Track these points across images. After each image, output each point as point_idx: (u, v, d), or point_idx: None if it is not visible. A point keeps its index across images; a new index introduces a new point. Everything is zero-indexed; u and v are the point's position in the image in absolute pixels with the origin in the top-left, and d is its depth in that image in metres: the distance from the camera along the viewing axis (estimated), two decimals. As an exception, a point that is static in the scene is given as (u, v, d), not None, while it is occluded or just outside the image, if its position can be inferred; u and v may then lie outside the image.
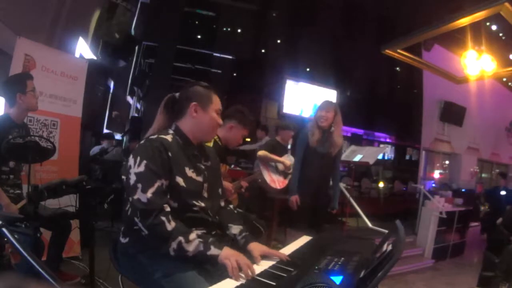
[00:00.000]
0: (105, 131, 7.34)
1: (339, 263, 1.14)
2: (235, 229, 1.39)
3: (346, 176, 6.06)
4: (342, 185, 4.33)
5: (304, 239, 1.56)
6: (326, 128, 2.66)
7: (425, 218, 4.71)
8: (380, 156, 7.88)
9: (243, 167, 4.93)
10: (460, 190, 7.07)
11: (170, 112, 1.39)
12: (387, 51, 5.33)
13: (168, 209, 1.20)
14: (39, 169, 2.47)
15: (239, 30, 12.59)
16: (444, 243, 4.68)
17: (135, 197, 1.17)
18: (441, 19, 4.59)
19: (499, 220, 3.85)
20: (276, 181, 3.11)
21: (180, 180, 1.25)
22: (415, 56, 5.75)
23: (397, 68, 11.93)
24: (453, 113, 7.33)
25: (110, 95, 8.32)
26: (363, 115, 11.59)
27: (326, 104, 2.71)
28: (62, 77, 3.02)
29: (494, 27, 6.51)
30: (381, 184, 8.22)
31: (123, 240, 1.30)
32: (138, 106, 11.97)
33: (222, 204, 1.48)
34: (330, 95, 8.68)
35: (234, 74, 12.24)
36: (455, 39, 5.86)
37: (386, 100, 11.87)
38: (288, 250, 1.39)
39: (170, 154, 1.24)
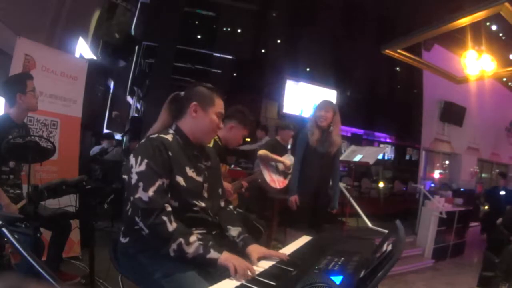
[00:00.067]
0: (105, 131, 7.34)
1: (339, 263, 1.14)
2: (234, 231, 1.39)
3: (346, 176, 6.06)
4: (342, 185, 4.33)
5: (304, 239, 1.56)
6: (325, 128, 2.67)
7: (425, 218, 4.71)
8: (380, 156, 7.87)
9: (243, 167, 4.92)
10: (459, 190, 7.07)
11: (173, 110, 1.40)
12: (387, 51, 5.33)
13: (169, 208, 1.20)
14: (39, 169, 2.47)
15: (239, 30, 12.59)
16: (444, 243, 4.68)
17: (137, 196, 1.17)
18: (441, 19, 4.59)
19: (499, 220, 3.85)
20: (276, 181, 3.11)
21: (180, 180, 1.26)
22: (415, 56, 5.75)
23: (397, 68, 11.93)
24: (453, 113, 7.33)
25: (110, 95, 8.32)
26: (363, 115, 11.60)
27: (325, 104, 2.71)
28: (62, 77, 3.02)
29: (494, 27, 6.51)
30: (381, 184, 8.22)
31: (123, 240, 1.30)
32: (138, 106, 11.97)
33: (222, 204, 1.48)
34: (330, 95, 8.67)
35: (234, 74, 12.25)
36: (455, 39, 5.86)
37: (386, 100, 11.88)
38: (288, 250, 1.39)
39: (170, 153, 1.24)
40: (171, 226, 1.16)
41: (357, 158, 3.99)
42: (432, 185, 7.22)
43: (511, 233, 3.30)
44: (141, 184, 1.18)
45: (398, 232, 0.95)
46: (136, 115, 11.37)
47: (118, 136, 7.37)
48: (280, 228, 3.69)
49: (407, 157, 13.29)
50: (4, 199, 1.92)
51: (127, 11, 5.34)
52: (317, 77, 9.62)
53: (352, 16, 11.34)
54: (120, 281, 1.34)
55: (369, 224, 4.09)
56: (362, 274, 0.96)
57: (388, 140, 13.31)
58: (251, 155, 5.12)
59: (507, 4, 3.76)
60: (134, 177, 1.19)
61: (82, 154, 4.04)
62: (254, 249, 1.29)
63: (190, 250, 1.16)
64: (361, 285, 0.90)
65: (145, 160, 1.20)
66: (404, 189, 8.59)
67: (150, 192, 1.17)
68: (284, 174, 3.21)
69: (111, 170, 4.31)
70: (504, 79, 7.65)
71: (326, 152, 2.71)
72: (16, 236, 0.82)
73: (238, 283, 1.05)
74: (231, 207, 1.52)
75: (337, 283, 0.93)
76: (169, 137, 1.30)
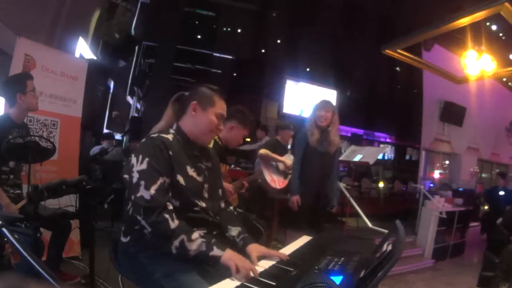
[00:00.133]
0: (105, 131, 7.34)
1: (339, 263, 1.14)
2: (233, 231, 1.39)
3: (346, 176, 6.06)
4: (342, 185, 4.33)
5: (304, 239, 1.56)
6: (324, 128, 2.67)
7: (425, 218, 4.71)
8: (380, 156, 7.87)
9: (243, 167, 4.92)
10: (458, 190, 7.06)
11: (176, 110, 1.40)
12: (387, 51, 5.33)
13: (171, 207, 1.20)
14: (39, 169, 2.47)
15: (239, 30, 12.59)
16: (444, 243, 4.68)
17: (138, 194, 1.17)
18: (441, 19, 4.59)
19: (499, 220, 3.86)
20: (276, 181, 3.11)
21: (180, 179, 1.26)
22: (415, 56, 5.75)
23: (397, 68, 11.93)
24: (453, 113, 7.32)
25: (110, 95, 8.32)
26: (363, 115, 11.60)
27: (325, 104, 2.71)
28: (62, 77, 3.02)
29: (494, 27, 6.51)
30: (381, 184, 8.22)
31: (123, 239, 1.30)
32: (138, 106, 11.97)
33: (223, 206, 1.48)
34: (330, 95, 8.67)
35: (234, 74, 12.24)
36: (455, 39, 5.86)
37: (386, 100, 11.88)
38: (288, 250, 1.39)
39: (171, 152, 1.25)
40: (173, 224, 1.16)
41: (357, 158, 3.99)
42: (431, 185, 7.22)
43: (511, 233, 3.30)
44: (142, 182, 1.18)
45: (398, 232, 0.95)
46: (136, 115, 11.37)
47: (118, 136, 7.37)
48: (280, 228, 3.69)
49: (407, 157, 13.29)
50: (4, 199, 1.93)
51: (127, 11, 5.34)
52: (317, 77, 9.62)
53: (352, 16, 11.34)
54: (120, 281, 1.34)
55: (369, 224, 4.09)
56: (362, 274, 0.96)
57: (388, 140, 13.31)
58: (251, 155, 5.12)
59: (507, 4, 3.76)
60: (136, 176, 1.20)
61: (82, 154, 4.04)
62: (254, 248, 1.29)
63: (193, 247, 1.15)
64: (361, 285, 0.90)
65: (147, 159, 1.20)
66: (404, 189, 8.59)
67: (152, 191, 1.17)
68: (284, 174, 3.21)
69: (111, 170, 4.31)
70: (504, 79, 7.65)
71: (326, 152, 2.71)
72: (16, 236, 0.82)
73: (238, 283, 1.05)
74: (231, 208, 1.52)
75: (337, 283, 0.93)
76: (170, 136, 1.30)
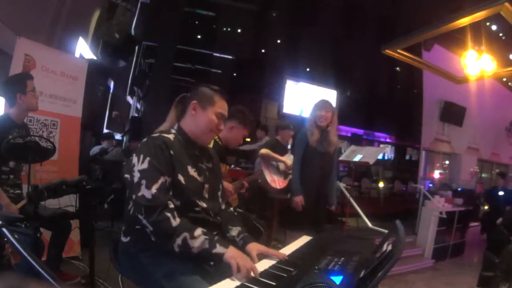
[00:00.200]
0: (105, 131, 7.33)
1: (339, 263, 1.14)
2: (234, 231, 1.39)
3: (346, 176, 6.07)
4: (342, 185, 4.34)
5: (304, 239, 1.56)
6: (324, 128, 2.67)
7: (425, 218, 4.71)
8: (380, 156, 7.87)
9: (243, 167, 4.93)
10: (457, 190, 7.06)
11: (179, 111, 1.41)
12: (387, 51, 5.33)
13: (172, 205, 1.21)
14: (39, 169, 2.47)
15: (239, 30, 12.60)
16: (444, 243, 4.68)
17: (139, 193, 1.17)
18: (441, 19, 4.59)
19: (499, 220, 3.86)
20: (276, 181, 3.11)
21: (181, 178, 1.26)
22: (415, 56, 5.75)
23: (397, 68, 11.94)
24: (453, 113, 7.33)
25: (110, 95, 8.32)
26: (363, 115, 11.61)
27: (325, 104, 2.71)
28: (62, 77, 3.02)
29: (494, 27, 6.51)
30: (381, 184, 8.23)
31: (124, 239, 1.30)
32: (138, 106, 11.96)
33: (223, 206, 1.48)
34: (330, 95, 8.67)
35: (234, 74, 12.25)
36: (455, 39, 5.86)
37: (386, 100, 11.88)
38: (288, 250, 1.40)
39: (172, 152, 1.25)
40: (175, 222, 1.16)
41: (357, 158, 3.99)
42: (431, 185, 7.22)
43: (511, 233, 3.31)
44: (143, 182, 1.18)
45: (398, 232, 0.95)
46: (136, 115, 11.36)
47: (118, 136, 7.37)
48: (280, 228, 3.69)
49: (407, 157, 13.29)
50: (4, 199, 1.93)
51: (127, 11, 5.34)
52: (317, 77, 9.62)
53: (352, 16, 11.34)
54: (120, 281, 1.34)
55: (369, 224, 4.09)
56: (362, 274, 0.96)
57: (388, 140, 13.31)
58: (251, 155, 5.13)
59: (507, 4, 3.76)
60: (137, 175, 1.20)
61: (82, 154, 4.04)
62: (254, 247, 1.30)
63: (196, 244, 1.15)
64: (361, 285, 0.90)
65: (148, 158, 1.20)
66: (404, 189, 8.59)
67: (153, 190, 1.17)
68: (284, 174, 3.21)
69: (111, 170, 4.30)
70: (504, 79, 7.65)
71: (326, 152, 2.71)
72: (16, 236, 0.82)
73: (238, 283, 1.05)
74: (231, 209, 1.53)
75: (337, 283, 0.93)
76: (171, 136, 1.31)
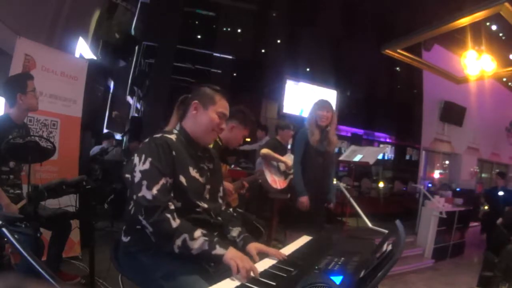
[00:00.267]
0: (105, 131, 7.33)
1: (339, 263, 1.14)
2: (234, 231, 1.40)
3: (346, 176, 6.07)
4: (342, 185, 4.34)
5: (304, 239, 1.56)
6: (324, 127, 2.68)
7: (425, 218, 4.71)
8: (380, 156, 7.87)
9: (243, 167, 4.92)
10: (456, 190, 7.06)
11: (181, 112, 1.41)
12: (387, 51, 5.34)
13: (172, 206, 1.20)
14: (39, 169, 2.47)
15: (239, 30, 12.59)
16: (444, 243, 4.68)
17: (140, 194, 1.17)
18: (441, 19, 4.60)
19: (499, 220, 3.86)
20: (277, 181, 3.11)
21: (183, 180, 1.26)
22: (415, 56, 5.76)
23: (397, 68, 11.92)
24: (453, 113, 7.34)
25: (110, 95, 8.31)
26: (363, 115, 11.59)
27: (326, 104, 2.71)
28: (62, 77, 3.02)
29: (494, 27, 6.51)
30: (381, 184, 8.22)
31: (124, 239, 1.30)
32: (138, 106, 11.95)
33: (223, 208, 1.48)
34: (330, 95, 8.66)
35: (234, 74, 12.24)
36: (455, 39, 5.87)
37: (386, 100, 11.86)
38: (288, 250, 1.40)
39: (174, 153, 1.25)
40: (175, 223, 1.16)
41: (357, 158, 3.99)
42: (430, 185, 7.22)
43: (511, 233, 3.31)
44: (144, 182, 1.18)
45: (398, 232, 0.95)
46: (136, 115, 11.35)
47: (118, 136, 7.37)
48: (280, 228, 3.69)
49: (407, 157, 13.27)
50: (4, 199, 1.92)
51: (127, 11, 5.34)
52: (317, 77, 9.61)
53: (352, 16, 11.33)
54: (120, 281, 1.34)
55: (369, 224, 4.10)
56: (362, 274, 0.96)
57: (388, 140, 13.30)
58: (251, 155, 5.12)
59: (507, 4, 3.76)
60: (138, 176, 1.20)
61: (82, 154, 4.04)
62: (253, 246, 1.30)
63: (195, 245, 1.15)
64: (361, 285, 0.90)
65: (149, 159, 1.20)
66: (404, 189, 8.59)
67: (154, 191, 1.17)
68: (285, 174, 3.21)
69: (111, 170, 4.31)
70: (504, 79, 7.66)
71: (326, 151, 2.71)
72: (16, 236, 0.82)
73: (238, 283, 1.05)
74: (231, 210, 1.53)
75: (337, 283, 0.93)
76: (173, 137, 1.31)
